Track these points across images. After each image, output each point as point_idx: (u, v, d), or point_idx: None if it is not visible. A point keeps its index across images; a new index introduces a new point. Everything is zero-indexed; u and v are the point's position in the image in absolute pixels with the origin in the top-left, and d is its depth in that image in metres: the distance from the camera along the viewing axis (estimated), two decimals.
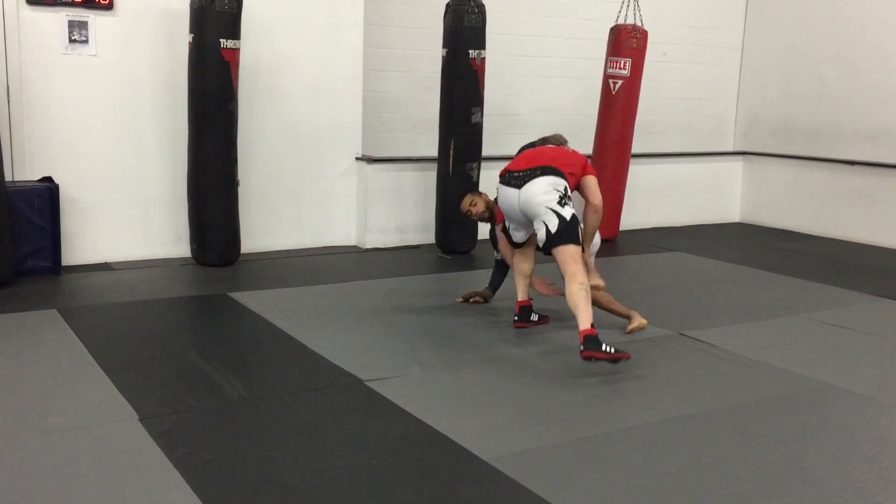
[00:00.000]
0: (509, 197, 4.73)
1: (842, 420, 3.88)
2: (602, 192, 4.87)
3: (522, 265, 5.11)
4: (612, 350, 4.20)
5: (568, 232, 4.51)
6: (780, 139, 9.41)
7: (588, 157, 5.36)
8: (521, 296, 5.11)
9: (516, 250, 5.11)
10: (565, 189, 4.62)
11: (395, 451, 3.40)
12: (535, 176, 4.64)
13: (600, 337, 4.24)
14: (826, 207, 8.81)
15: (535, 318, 5.14)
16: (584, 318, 4.26)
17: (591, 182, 4.86)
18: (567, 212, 4.54)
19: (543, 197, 4.57)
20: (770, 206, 9.40)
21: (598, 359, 4.19)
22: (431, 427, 3.60)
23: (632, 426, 3.70)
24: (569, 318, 5.27)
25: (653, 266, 7.15)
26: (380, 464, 3.27)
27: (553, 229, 4.51)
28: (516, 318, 5.11)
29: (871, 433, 3.73)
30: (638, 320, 4.97)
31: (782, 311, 5.69)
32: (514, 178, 4.72)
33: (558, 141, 5.12)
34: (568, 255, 4.48)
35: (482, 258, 7.12)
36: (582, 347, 4.19)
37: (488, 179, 7.76)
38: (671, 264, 7.25)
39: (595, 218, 4.85)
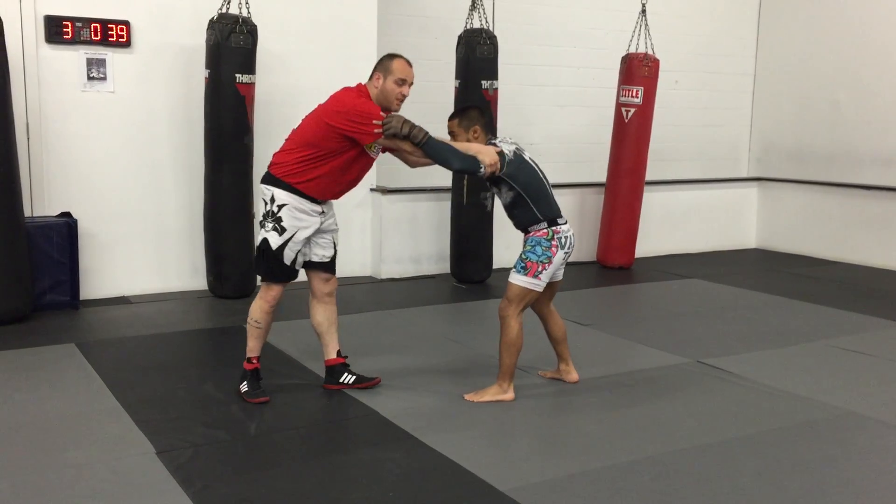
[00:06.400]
0: None
1: (864, 448, 3.83)
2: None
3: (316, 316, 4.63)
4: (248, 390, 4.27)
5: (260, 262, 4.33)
6: (794, 164, 9.39)
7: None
8: (330, 353, 4.49)
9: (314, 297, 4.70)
10: (272, 197, 4.22)
11: (413, 482, 3.38)
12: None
13: (259, 373, 4.32)
14: (842, 232, 8.76)
15: (349, 379, 4.40)
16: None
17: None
18: (268, 236, 4.21)
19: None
20: (786, 231, 9.36)
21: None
22: (448, 458, 3.58)
23: (650, 456, 3.67)
24: (583, 348, 5.25)
25: (669, 293, 7.12)
26: (397, 496, 3.25)
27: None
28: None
29: (895, 461, 3.68)
30: (567, 374, 4.59)
31: (801, 338, 5.64)
32: None
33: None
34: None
35: (498, 287, 7.11)
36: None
37: (502, 209, 7.77)
38: (687, 291, 7.22)
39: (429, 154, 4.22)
